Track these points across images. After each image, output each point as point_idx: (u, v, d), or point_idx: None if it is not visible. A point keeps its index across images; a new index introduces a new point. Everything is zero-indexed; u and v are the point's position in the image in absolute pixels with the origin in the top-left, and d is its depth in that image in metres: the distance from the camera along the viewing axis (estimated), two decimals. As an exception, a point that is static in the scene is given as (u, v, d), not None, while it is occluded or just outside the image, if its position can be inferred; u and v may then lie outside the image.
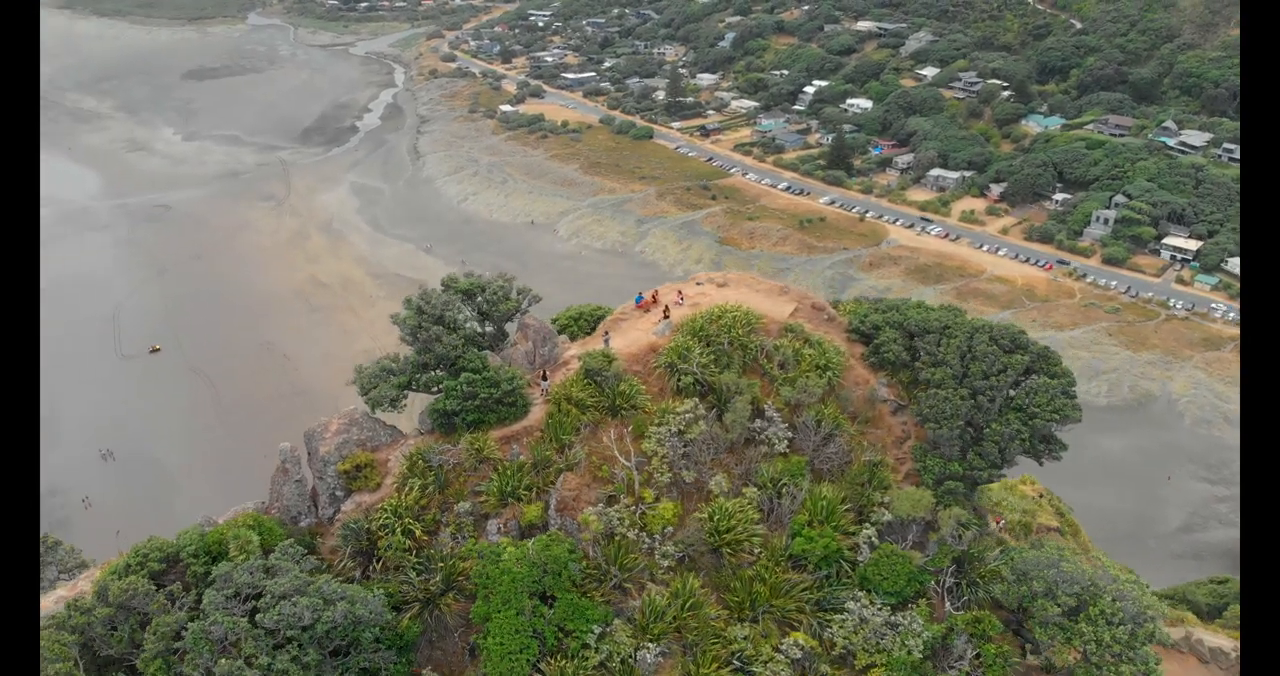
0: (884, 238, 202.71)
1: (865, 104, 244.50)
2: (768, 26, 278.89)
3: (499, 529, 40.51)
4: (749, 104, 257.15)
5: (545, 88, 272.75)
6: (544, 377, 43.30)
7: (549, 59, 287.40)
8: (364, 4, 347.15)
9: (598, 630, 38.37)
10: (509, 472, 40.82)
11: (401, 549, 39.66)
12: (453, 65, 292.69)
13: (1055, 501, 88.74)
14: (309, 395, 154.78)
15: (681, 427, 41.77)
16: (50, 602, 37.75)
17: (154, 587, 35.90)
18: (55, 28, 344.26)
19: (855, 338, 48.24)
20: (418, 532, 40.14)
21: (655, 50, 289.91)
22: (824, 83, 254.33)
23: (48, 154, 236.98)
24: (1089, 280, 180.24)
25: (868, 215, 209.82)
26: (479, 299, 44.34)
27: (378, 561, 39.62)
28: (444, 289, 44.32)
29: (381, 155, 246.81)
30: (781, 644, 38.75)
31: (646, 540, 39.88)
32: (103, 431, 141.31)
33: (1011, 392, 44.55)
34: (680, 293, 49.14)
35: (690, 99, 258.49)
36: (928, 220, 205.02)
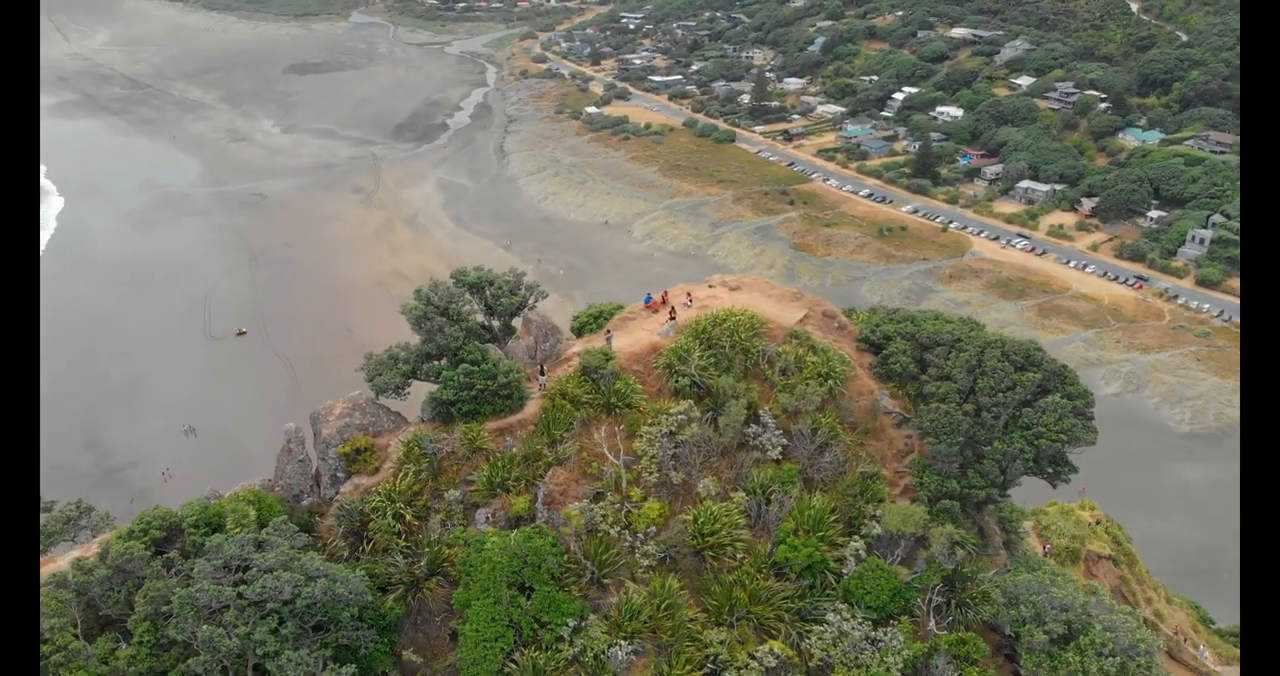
0: (966, 249, 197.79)
1: (955, 112, 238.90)
2: (859, 31, 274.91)
3: (487, 518, 41.39)
4: (835, 109, 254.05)
5: (631, 90, 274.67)
6: (541, 372, 44.01)
7: (637, 61, 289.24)
8: (461, 4, 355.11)
9: (572, 624, 38.88)
10: (499, 464, 41.68)
11: (391, 532, 40.91)
12: (543, 66, 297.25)
13: (1114, 529, 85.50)
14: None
15: (673, 429, 41.95)
16: (64, 562, 40.20)
17: (150, 553, 37.88)
18: (167, 20, 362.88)
19: (865, 347, 47.60)
20: (408, 517, 41.33)
21: (744, 54, 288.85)
22: (914, 89, 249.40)
23: (154, 141, 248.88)
24: (1180, 301, 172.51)
25: (951, 225, 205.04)
26: (486, 292, 45.31)
27: (368, 542, 40.94)
28: (454, 281, 45.43)
29: (469, 153, 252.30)
30: (757, 651, 38.56)
31: (629, 538, 40.18)
32: (187, 408, 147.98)
33: (1024, 411, 43.30)
34: (689, 294, 49.29)
35: (775, 103, 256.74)
36: (1024, 235, 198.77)
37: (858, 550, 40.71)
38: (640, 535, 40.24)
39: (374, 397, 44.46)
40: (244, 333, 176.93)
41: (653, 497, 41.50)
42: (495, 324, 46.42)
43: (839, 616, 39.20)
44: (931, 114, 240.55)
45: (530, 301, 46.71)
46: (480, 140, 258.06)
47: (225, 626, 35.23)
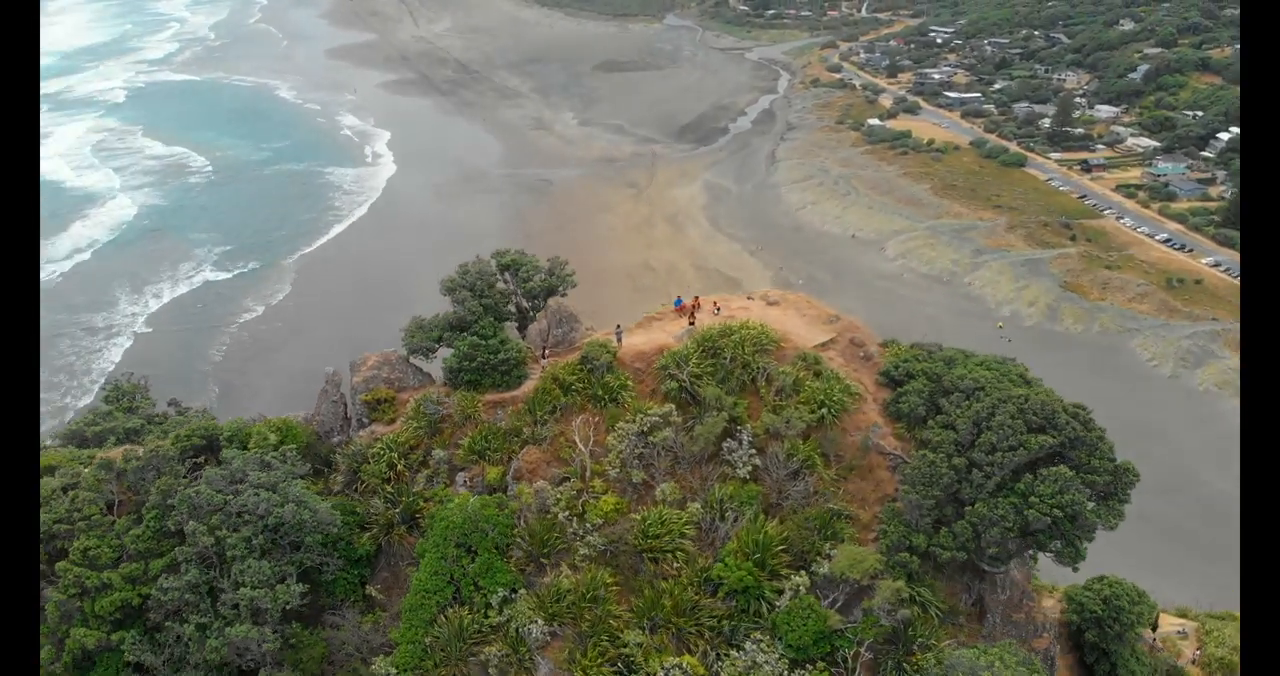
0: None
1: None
2: (1190, 62, 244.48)
3: (465, 482, 44.48)
4: (1147, 143, 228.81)
5: (923, 104, 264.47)
6: (543, 355, 46.22)
7: (936, 76, 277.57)
8: (770, 12, 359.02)
9: (503, 593, 41.03)
10: (483, 433, 44.55)
11: (380, 478, 45.20)
12: (836, 76, 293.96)
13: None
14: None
15: (645, 429, 42.54)
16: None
17: (178, 454, 44.83)
18: (504, 12, 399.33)
19: (885, 382, 44.98)
20: (399, 467, 45.40)
21: (1055, 75, 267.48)
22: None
23: (469, 122, 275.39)
24: None
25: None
26: (518, 273, 48.24)
27: (361, 483, 45.52)
28: (493, 260, 48.81)
29: (741, 158, 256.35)
30: (668, 662, 38.46)
31: (575, 526, 41.48)
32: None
33: (1025, 476, 39.17)
34: (716, 303, 49.12)
35: (1079, 130, 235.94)
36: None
37: (799, 586, 39.13)
38: (588, 525, 41.41)
39: (406, 356, 48.95)
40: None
41: (614, 492, 42.45)
42: (525, 304, 49.21)
43: (757, 647, 38.08)
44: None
45: (561, 288, 49.04)
46: (755, 146, 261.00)
47: (209, 527, 41.21)
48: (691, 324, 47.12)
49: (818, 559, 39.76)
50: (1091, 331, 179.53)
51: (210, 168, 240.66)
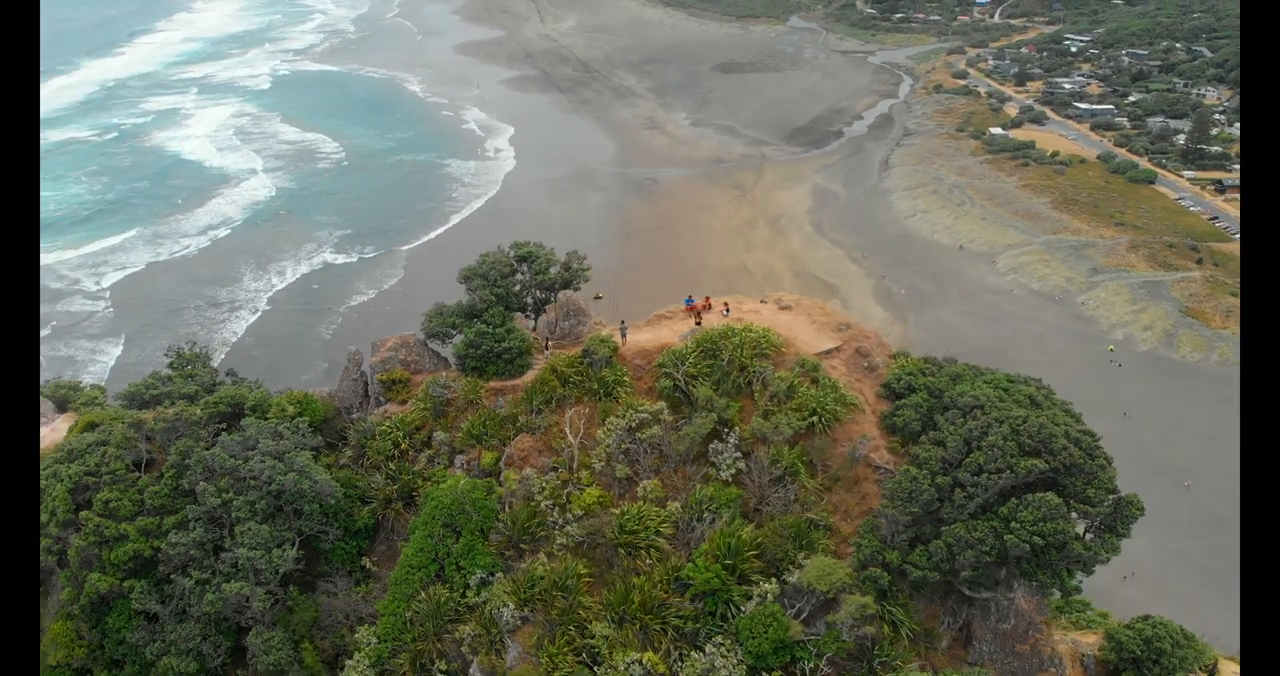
0: None
1: None
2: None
3: (463, 464, 45.76)
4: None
5: (1050, 115, 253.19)
6: (546, 347, 47.02)
7: (1067, 86, 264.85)
8: (898, 15, 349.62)
9: (481, 575, 42.09)
10: (481, 419, 45.70)
11: (385, 455, 46.95)
12: (961, 82, 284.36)
13: None
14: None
15: (633, 425, 42.83)
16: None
17: (206, 419, 47.69)
18: (628, 12, 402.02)
19: (886, 394, 43.82)
20: (404, 446, 47.06)
21: (1195, 90, 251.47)
22: None
23: (584, 120, 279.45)
24: None
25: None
26: (534, 265, 49.20)
27: (367, 459, 47.40)
28: (511, 250, 49.93)
29: (853, 162, 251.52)
30: (629, 657, 38.70)
31: (556, 515, 42.13)
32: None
33: (1009, 500, 37.62)
34: (726, 304, 48.76)
35: (1216, 148, 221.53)
36: None
37: (768, 592, 38.70)
38: (569, 516, 42.00)
39: (424, 340, 50.59)
40: (600, 298, 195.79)
41: (598, 485, 42.91)
42: (540, 296, 50.09)
43: (717, 651, 37.90)
44: None
45: (576, 282, 49.73)
46: (869, 150, 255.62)
47: (219, 488, 43.77)
48: (698, 324, 47.08)
49: (789, 567, 39.24)
50: (1210, 361, 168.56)
51: (338, 155, 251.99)
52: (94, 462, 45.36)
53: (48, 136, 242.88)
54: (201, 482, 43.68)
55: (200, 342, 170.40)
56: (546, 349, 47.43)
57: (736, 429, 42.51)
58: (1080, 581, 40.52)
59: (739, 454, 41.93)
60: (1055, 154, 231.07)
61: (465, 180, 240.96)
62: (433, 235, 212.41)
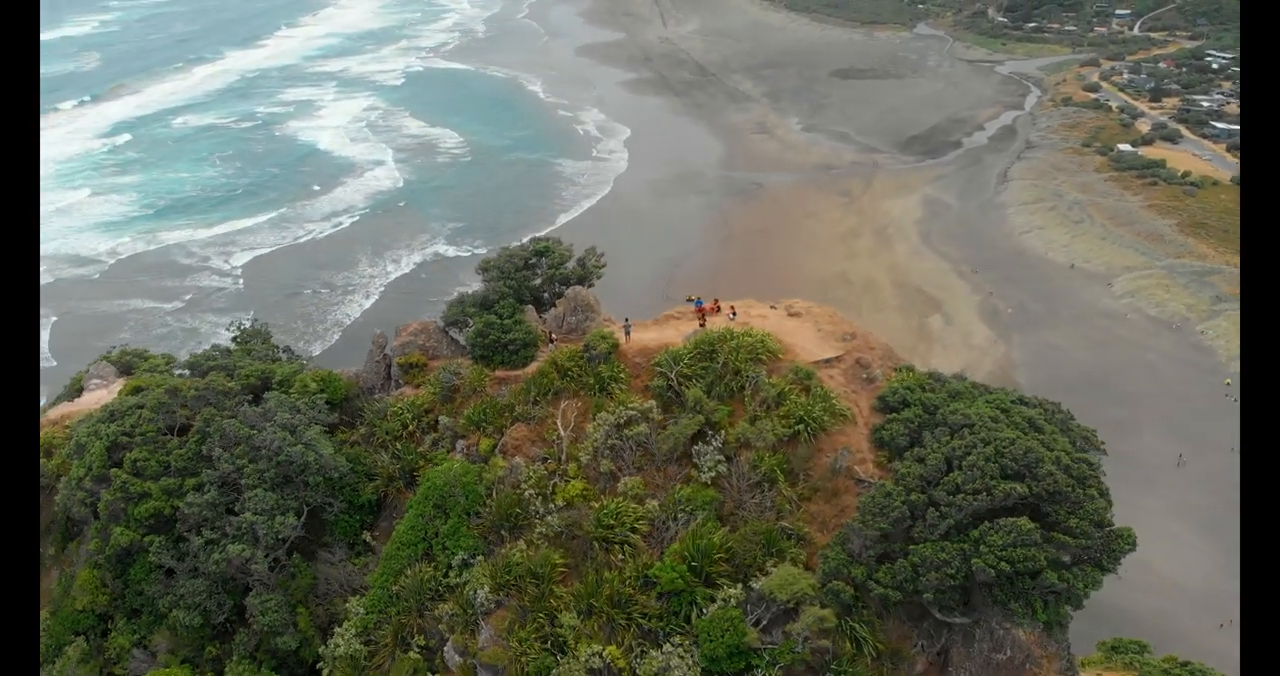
0: None
1: None
2: None
3: (463, 449, 47.14)
4: None
5: (1185, 133, 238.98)
6: (550, 340, 47.89)
7: (1205, 103, 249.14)
8: (1031, 25, 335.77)
9: (462, 557, 43.30)
10: (483, 406, 46.95)
11: (393, 435, 48.79)
12: (1092, 95, 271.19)
13: None
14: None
15: (622, 422, 43.24)
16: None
17: (240, 389, 50.59)
18: (750, 16, 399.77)
19: (881, 407, 42.79)
20: (411, 427, 48.81)
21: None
22: None
23: (695, 123, 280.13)
24: None
25: None
26: (549, 259, 50.21)
27: (376, 438, 49.32)
28: (530, 244, 51.13)
29: (969, 174, 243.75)
30: (591, 649, 39.15)
31: (539, 505, 42.94)
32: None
33: (983, 523, 36.28)
34: (733, 308, 48.53)
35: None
36: None
37: (731, 597, 38.51)
38: (552, 506, 42.75)
39: (443, 327, 52.25)
40: (692, 300, 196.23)
41: (584, 478, 43.50)
42: (557, 290, 51.01)
43: (675, 651, 37.97)
44: None
45: (590, 279, 50.44)
46: (987, 162, 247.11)
47: (233, 455, 46.45)
48: (702, 326, 47.12)
49: (757, 574, 38.91)
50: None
51: (458, 150, 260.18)
52: (130, 424, 48.79)
53: (190, 121, 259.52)
54: (219, 449, 46.46)
55: (314, 323, 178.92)
56: (551, 342, 48.38)
57: (723, 432, 42.42)
58: (1070, 614, 38.68)
59: (721, 457, 41.84)
60: (1186, 174, 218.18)
61: (576, 180, 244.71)
62: (540, 233, 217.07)
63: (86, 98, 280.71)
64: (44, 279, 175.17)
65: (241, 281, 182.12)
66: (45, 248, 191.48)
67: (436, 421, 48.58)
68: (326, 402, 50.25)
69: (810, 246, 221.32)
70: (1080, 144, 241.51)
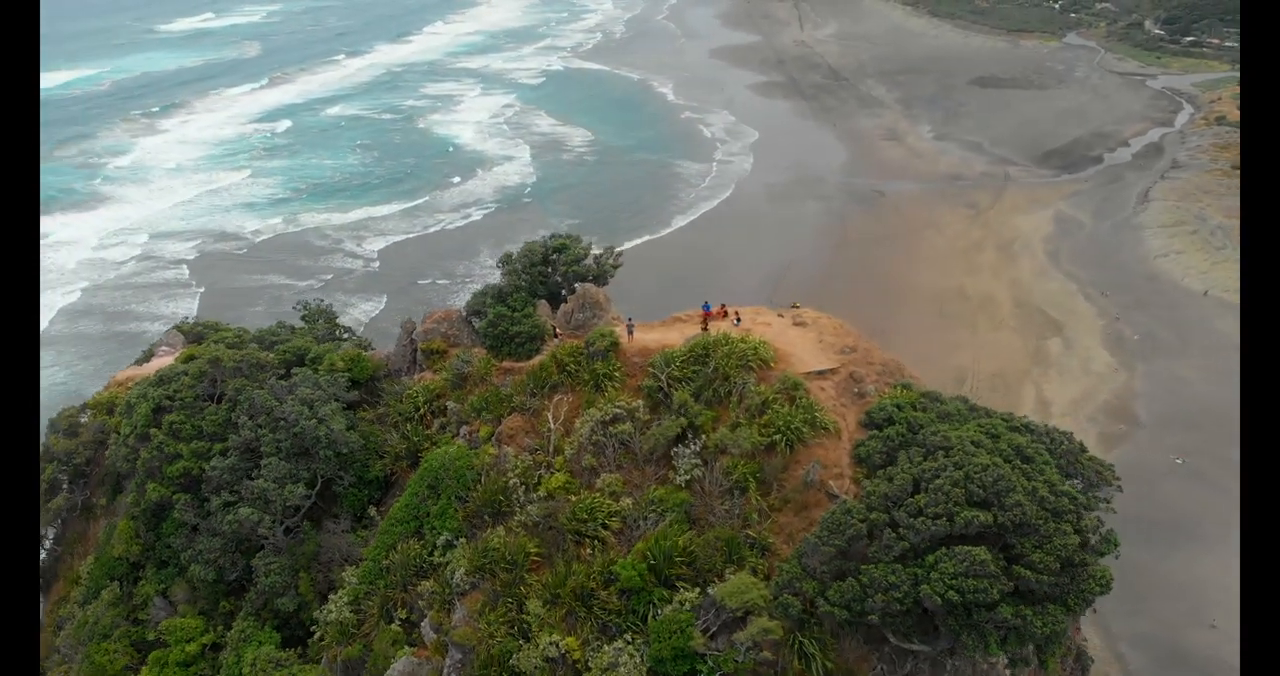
0: None
1: None
2: None
3: (466, 434, 48.70)
4: None
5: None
6: (554, 334, 48.81)
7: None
8: (1189, 39, 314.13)
9: (447, 537, 44.81)
10: (485, 394, 48.37)
11: (405, 417, 50.84)
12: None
13: None
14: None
15: (608, 419, 43.76)
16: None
17: (265, 362, 53.74)
18: (891, 20, 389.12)
19: (867, 423, 41.71)
20: (423, 410, 50.74)
21: None
22: None
23: (820, 128, 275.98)
24: None
25: None
26: (565, 256, 51.19)
27: (389, 418, 51.48)
28: (550, 240, 52.28)
29: (1107, 192, 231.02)
30: (548, 638, 39.87)
31: (521, 494, 43.97)
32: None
33: (940, 548, 35.01)
34: (737, 314, 48.08)
35: None
36: None
37: (687, 601, 38.49)
38: (534, 496, 43.71)
39: (466, 316, 53.96)
40: (797, 307, 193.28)
41: (568, 471, 44.27)
42: (574, 285, 51.92)
43: (627, 647, 38.28)
44: None
45: (605, 276, 51.13)
46: (1128, 181, 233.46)
47: (256, 424, 49.49)
48: (704, 330, 47.08)
49: (715, 580, 38.76)
50: None
51: (583, 149, 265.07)
52: (174, 389, 52.68)
53: (337, 112, 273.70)
54: (244, 417, 49.61)
55: (432, 309, 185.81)
56: (556, 336, 49.36)
57: (703, 436, 42.38)
58: (1031, 654, 36.92)
59: (699, 461, 41.81)
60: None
61: (696, 182, 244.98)
62: (658, 235, 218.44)
63: (261, 83, 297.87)
64: (191, 254, 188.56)
65: (376, 264, 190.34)
66: (193, 224, 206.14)
67: (445, 406, 50.34)
68: (352, 382, 52.86)
69: (928, 258, 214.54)
70: (1230, 166, 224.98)
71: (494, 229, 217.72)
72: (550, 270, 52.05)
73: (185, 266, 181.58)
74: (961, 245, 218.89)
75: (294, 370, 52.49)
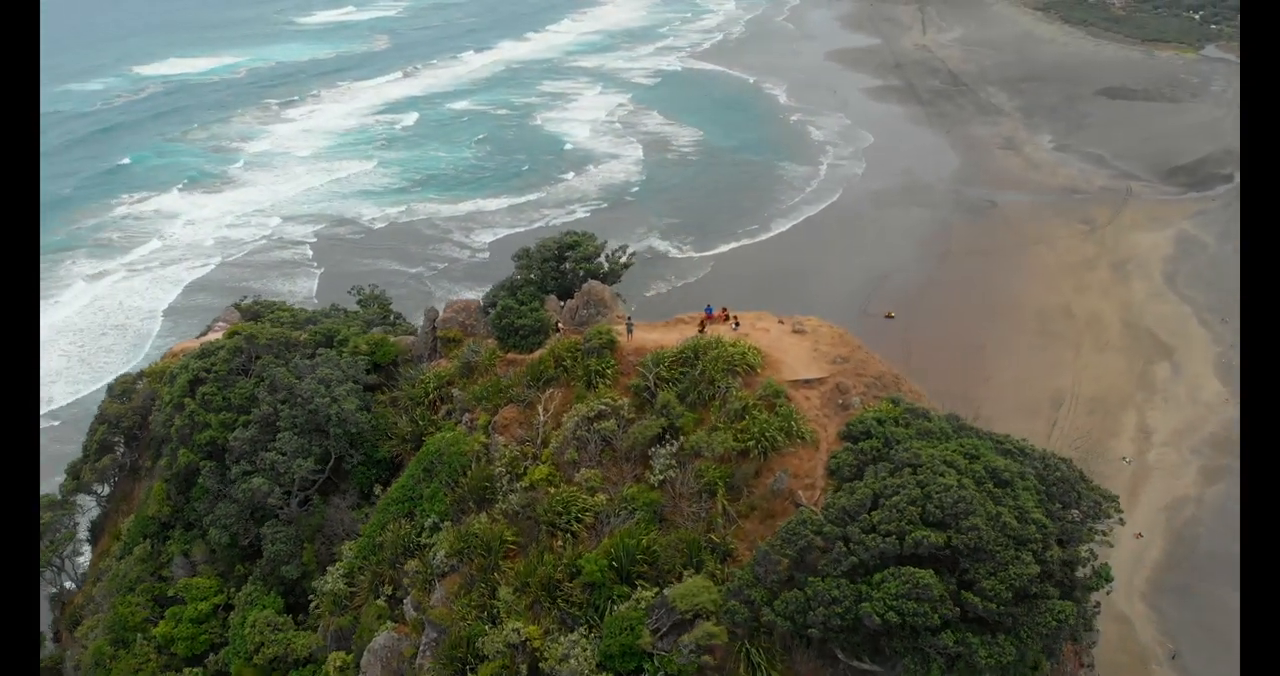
0: None
1: None
2: None
3: (467, 422, 50.05)
4: None
5: None
6: (556, 329, 49.51)
7: None
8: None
9: (434, 519, 46.19)
10: (487, 385, 49.55)
11: (415, 401, 52.55)
12: None
13: None
14: (972, 403, 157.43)
15: (594, 415, 44.25)
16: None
17: (296, 341, 56.32)
18: (1019, 27, 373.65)
19: (844, 435, 40.82)
20: (432, 396, 52.34)
21: None
22: None
23: (934, 134, 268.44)
24: None
25: None
26: (577, 253, 51.90)
27: (400, 401, 53.30)
28: (564, 237, 53.08)
29: (1234, 212, 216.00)
30: (515, 625, 40.69)
31: (505, 483, 44.92)
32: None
33: (889, 567, 34.09)
34: (736, 318, 47.68)
35: None
36: None
37: (643, 600, 38.67)
38: (517, 486, 44.60)
39: (483, 307, 55.30)
40: (892, 317, 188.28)
41: (552, 464, 44.98)
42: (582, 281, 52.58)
43: (580, 640, 38.75)
44: None
45: (616, 275, 51.57)
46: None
47: (276, 400, 52.07)
48: (701, 332, 46.99)
49: (673, 581, 38.78)
50: None
51: (688, 149, 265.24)
52: (211, 362, 55.90)
53: (455, 106, 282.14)
54: (265, 392, 52.28)
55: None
56: (558, 332, 50.12)
57: (682, 438, 42.40)
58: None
59: (674, 462, 41.86)
60: None
61: (800, 186, 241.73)
62: (757, 240, 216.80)
63: (389, 76, 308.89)
64: (312, 238, 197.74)
65: (485, 255, 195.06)
66: (314, 208, 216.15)
67: (452, 393, 51.82)
68: (374, 365, 55.00)
69: (1035, 273, 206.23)
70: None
71: (596, 226, 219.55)
72: (563, 266, 52.90)
73: (308, 247, 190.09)
74: (1072, 261, 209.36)
75: (320, 350, 54.94)
